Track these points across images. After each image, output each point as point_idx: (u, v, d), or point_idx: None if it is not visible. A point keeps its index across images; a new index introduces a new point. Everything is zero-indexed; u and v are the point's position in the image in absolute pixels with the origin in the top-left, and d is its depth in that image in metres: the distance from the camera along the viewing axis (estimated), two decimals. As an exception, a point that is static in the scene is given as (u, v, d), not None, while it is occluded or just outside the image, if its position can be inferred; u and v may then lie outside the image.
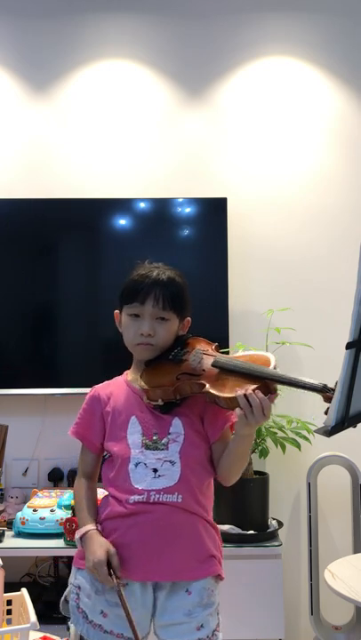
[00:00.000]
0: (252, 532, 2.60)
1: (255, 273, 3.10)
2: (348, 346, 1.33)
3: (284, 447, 2.74)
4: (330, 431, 1.36)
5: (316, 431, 1.43)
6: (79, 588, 1.62)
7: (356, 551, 2.79)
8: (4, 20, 3.23)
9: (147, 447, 1.60)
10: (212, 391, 1.54)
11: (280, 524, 2.78)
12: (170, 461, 1.58)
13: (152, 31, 3.21)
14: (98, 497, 1.72)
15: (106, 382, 1.75)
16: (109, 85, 3.21)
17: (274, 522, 2.76)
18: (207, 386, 1.55)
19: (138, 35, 3.22)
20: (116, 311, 1.74)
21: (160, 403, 1.61)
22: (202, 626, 1.57)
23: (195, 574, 1.58)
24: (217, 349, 1.67)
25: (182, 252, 3.03)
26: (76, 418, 1.73)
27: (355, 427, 1.43)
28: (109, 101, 3.20)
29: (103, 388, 1.72)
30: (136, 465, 1.59)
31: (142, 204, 3.08)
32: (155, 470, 1.58)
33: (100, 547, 1.55)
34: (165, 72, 3.20)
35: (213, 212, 3.03)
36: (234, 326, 2.92)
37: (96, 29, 3.22)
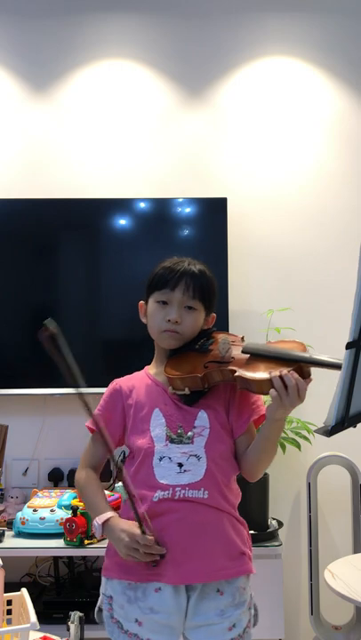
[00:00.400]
0: (252, 531, 2.58)
1: (255, 273, 3.10)
2: (348, 346, 1.32)
3: (284, 447, 2.74)
4: (330, 431, 1.36)
5: (316, 431, 1.43)
6: (111, 598, 1.58)
7: (356, 551, 2.79)
8: (4, 20, 3.23)
9: (171, 441, 1.56)
10: (244, 375, 1.50)
11: (280, 524, 2.78)
12: (195, 456, 1.55)
13: (152, 31, 3.21)
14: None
15: (127, 376, 1.72)
16: (109, 85, 3.21)
17: (274, 522, 2.76)
18: (238, 371, 1.52)
19: (138, 35, 3.22)
20: (141, 302, 1.72)
21: (186, 392, 1.57)
22: (234, 625, 1.55)
23: (226, 574, 1.55)
24: (243, 340, 1.65)
25: (182, 252, 3.00)
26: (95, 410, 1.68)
27: (355, 427, 1.43)
28: (109, 101, 3.20)
29: (125, 382, 1.69)
30: (160, 459, 1.55)
31: (142, 204, 3.08)
32: (180, 465, 1.55)
33: (130, 525, 1.51)
34: (165, 72, 3.20)
35: (213, 212, 3.03)
36: (234, 326, 2.92)
37: (96, 29, 3.22)
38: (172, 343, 1.64)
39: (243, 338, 1.66)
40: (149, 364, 1.74)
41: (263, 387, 1.49)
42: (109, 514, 1.57)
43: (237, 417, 1.61)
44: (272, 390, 1.46)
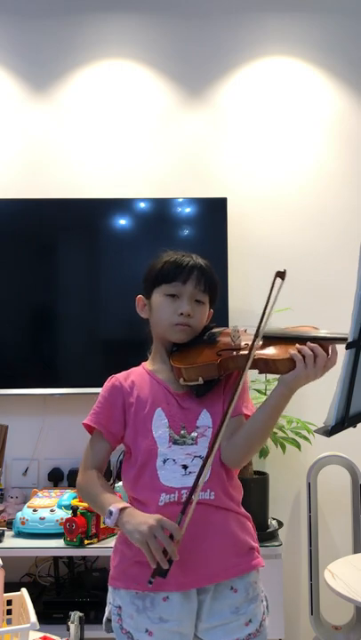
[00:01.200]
0: (252, 531, 2.60)
1: (255, 273, 3.10)
2: (348, 346, 1.32)
3: (284, 447, 2.74)
4: (330, 431, 1.36)
5: (316, 431, 1.42)
6: (120, 608, 1.54)
7: (356, 551, 2.79)
8: (4, 20, 3.23)
9: (175, 442, 1.53)
10: (266, 356, 1.48)
11: (280, 524, 2.78)
12: (200, 457, 1.52)
13: (152, 31, 3.21)
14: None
15: (125, 372, 1.66)
16: (109, 85, 3.21)
17: (274, 522, 2.76)
18: (258, 353, 1.49)
19: (138, 35, 3.22)
20: (140, 296, 1.68)
21: (200, 382, 1.54)
22: (250, 620, 1.53)
23: (238, 570, 1.53)
24: (246, 332, 1.63)
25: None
26: (93, 408, 1.63)
27: (355, 427, 1.43)
28: (109, 101, 3.20)
29: (124, 378, 1.63)
30: (164, 461, 1.52)
31: (142, 204, 3.08)
32: (185, 467, 1.52)
33: (149, 516, 1.43)
34: (165, 72, 3.20)
35: (213, 211, 3.03)
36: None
37: (96, 29, 3.22)
38: (183, 337, 1.60)
39: (246, 330, 1.64)
40: None
41: (288, 365, 1.47)
42: (121, 504, 1.49)
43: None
44: (298, 357, 1.44)
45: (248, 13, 3.21)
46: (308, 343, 1.46)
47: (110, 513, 1.47)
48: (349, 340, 1.32)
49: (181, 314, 1.58)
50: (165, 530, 1.39)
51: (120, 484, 2.72)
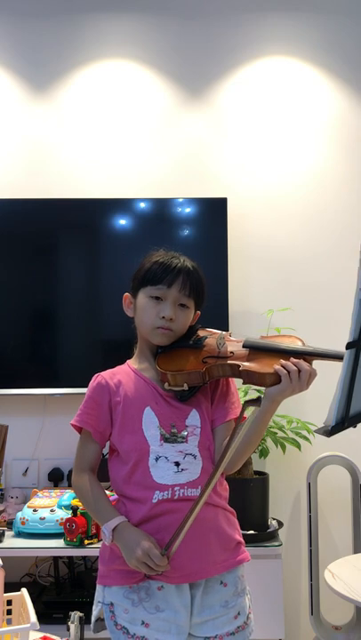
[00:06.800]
0: (252, 532, 2.60)
1: (255, 273, 3.10)
2: (348, 346, 1.32)
3: (284, 447, 2.74)
4: (330, 431, 1.36)
5: (316, 431, 1.42)
6: (112, 604, 1.55)
7: (356, 551, 2.79)
8: (4, 20, 3.23)
9: (166, 440, 1.54)
10: (251, 369, 1.49)
11: (280, 524, 2.78)
12: (191, 455, 1.54)
13: (152, 31, 3.21)
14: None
15: (110, 370, 1.65)
16: (109, 85, 3.21)
17: (274, 522, 2.76)
18: (243, 365, 1.51)
19: (138, 35, 3.22)
20: (127, 294, 1.69)
21: (185, 388, 1.56)
22: (238, 613, 1.57)
23: (227, 564, 1.56)
24: (231, 336, 1.64)
25: (182, 252, 3.02)
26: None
27: (355, 427, 1.43)
28: (109, 101, 3.20)
29: (110, 377, 1.63)
30: (157, 459, 1.53)
31: (142, 204, 3.08)
32: (177, 464, 1.53)
33: (142, 536, 1.48)
34: (165, 72, 3.20)
35: (213, 211, 3.03)
36: (234, 326, 2.93)
37: (96, 29, 3.22)
38: (164, 340, 1.61)
39: (230, 334, 1.65)
40: None
41: (272, 379, 1.48)
42: (116, 520, 1.52)
43: (218, 410, 1.60)
44: (283, 371, 1.45)
45: (248, 13, 3.21)
46: (292, 358, 1.48)
47: (104, 534, 1.53)
48: (349, 340, 1.32)
49: (163, 317, 1.59)
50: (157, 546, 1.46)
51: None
